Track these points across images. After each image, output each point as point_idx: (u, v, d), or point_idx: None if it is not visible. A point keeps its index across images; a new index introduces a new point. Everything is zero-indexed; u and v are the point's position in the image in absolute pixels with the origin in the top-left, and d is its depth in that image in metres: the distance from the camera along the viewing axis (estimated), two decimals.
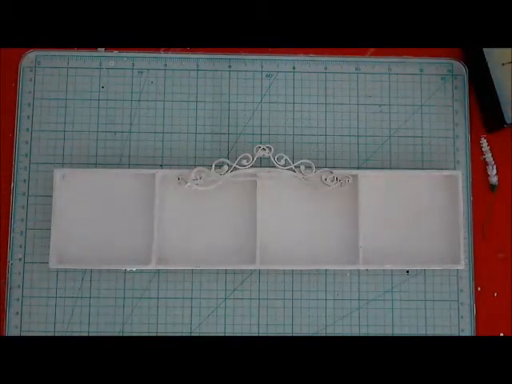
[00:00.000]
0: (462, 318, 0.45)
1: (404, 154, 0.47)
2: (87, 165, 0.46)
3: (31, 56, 0.47)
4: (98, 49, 0.47)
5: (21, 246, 0.45)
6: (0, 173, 0.45)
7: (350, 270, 0.45)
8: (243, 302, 0.45)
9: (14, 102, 0.46)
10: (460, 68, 0.48)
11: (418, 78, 0.48)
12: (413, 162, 0.47)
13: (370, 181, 0.44)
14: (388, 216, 0.45)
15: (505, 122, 0.44)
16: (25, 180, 0.45)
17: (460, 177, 0.44)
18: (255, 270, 0.45)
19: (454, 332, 0.44)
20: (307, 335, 0.44)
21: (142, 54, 0.47)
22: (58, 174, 0.43)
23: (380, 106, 0.47)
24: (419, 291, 0.45)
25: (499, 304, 0.45)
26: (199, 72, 0.47)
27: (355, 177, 0.44)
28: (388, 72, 0.48)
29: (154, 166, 0.46)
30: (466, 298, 0.45)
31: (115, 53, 0.47)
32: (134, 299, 0.44)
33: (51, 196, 0.43)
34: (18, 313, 0.44)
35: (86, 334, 0.44)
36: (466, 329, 0.45)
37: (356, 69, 0.48)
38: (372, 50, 0.48)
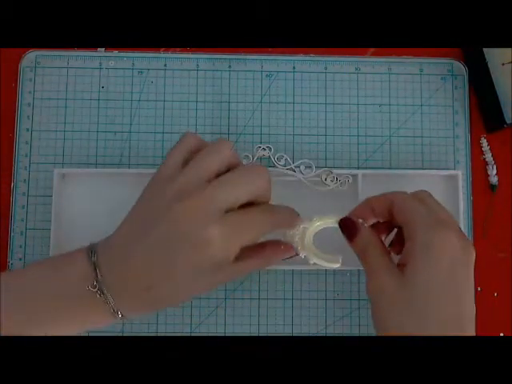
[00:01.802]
0: None
1: (404, 154, 0.47)
2: (87, 165, 0.46)
3: (31, 56, 0.47)
4: (98, 49, 0.47)
5: (21, 246, 0.45)
6: (0, 173, 0.46)
7: (350, 270, 0.45)
8: (243, 302, 0.45)
9: (14, 102, 0.46)
10: (460, 68, 0.48)
11: (417, 77, 0.48)
12: (413, 161, 0.47)
13: (370, 181, 0.44)
14: None
15: (505, 122, 0.44)
16: (25, 180, 0.45)
17: (460, 177, 0.44)
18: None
19: None
20: (307, 335, 0.44)
21: (141, 54, 0.47)
22: (57, 174, 0.43)
23: (380, 105, 0.47)
24: None
25: (499, 304, 0.45)
26: (199, 72, 0.47)
27: (355, 177, 0.44)
28: (388, 72, 0.48)
29: (153, 165, 0.46)
30: None
31: (115, 53, 0.47)
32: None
33: (51, 196, 0.43)
34: None
35: (86, 334, 0.44)
36: None
37: (356, 69, 0.48)
38: (372, 49, 0.48)
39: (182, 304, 0.44)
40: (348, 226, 0.38)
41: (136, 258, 0.33)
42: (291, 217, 0.37)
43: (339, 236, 0.41)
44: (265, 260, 0.37)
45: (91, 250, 0.34)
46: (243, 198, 0.34)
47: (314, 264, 0.40)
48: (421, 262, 0.34)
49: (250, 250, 0.36)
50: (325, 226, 0.40)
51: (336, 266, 0.40)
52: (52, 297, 0.34)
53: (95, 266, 0.34)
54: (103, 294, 0.33)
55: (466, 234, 0.45)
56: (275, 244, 0.38)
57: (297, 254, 0.39)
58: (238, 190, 0.34)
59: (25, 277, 0.35)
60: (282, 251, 0.38)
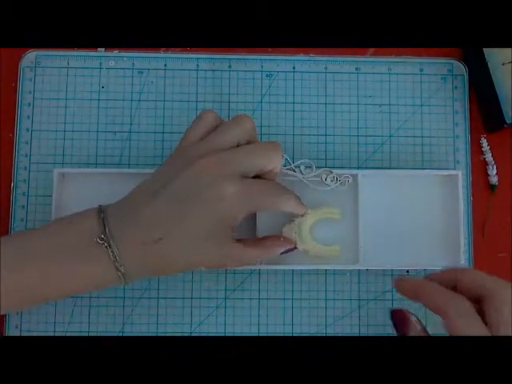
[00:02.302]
0: None
1: (404, 154, 0.47)
2: (87, 165, 0.46)
3: (31, 56, 0.46)
4: (98, 49, 0.47)
5: None
6: (0, 173, 0.45)
7: (350, 270, 0.45)
8: (243, 302, 0.45)
9: (14, 102, 0.46)
10: (460, 68, 0.48)
11: (418, 77, 0.48)
12: (413, 161, 0.47)
13: (370, 181, 0.44)
14: (388, 216, 0.45)
15: (505, 122, 0.44)
16: (25, 180, 0.45)
17: (460, 177, 0.44)
18: (255, 269, 0.45)
19: None
20: (307, 335, 0.44)
21: (142, 54, 0.47)
22: (57, 174, 0.43)
23: (380, 105, 0.47)
24: None
25: None
26: (199, 72, 0.47)
27: (355, 177, 0.44)
28: (388, 72, 0.48)
29: (153, 165, 0.46)
30: None
31: (115, 53, 0.47)
32: (133, 299, 0.44)
33: (51, 196, 0.43)
34: (18, 312, 0.44)
35: (86, 334, 0.44)
36: None
37: (356, 69, 0.48)
38: (372, 50, 0.48)
39: (180, 273, 0.43)
40: (399, 319, 0.39)
41: (147, 211, 0.35)
42: (298, 202, 0.39)
43: (335, 228, 0.41)
44: (265, 250, 0.38)
45: (100, 209, 0.36)
46: (257, 167, 0.36)
47: (316, 257, 0.41)
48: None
49: (252, 240, 0.39)
50: (318, 218, 0.42)
51: (336, 254, 0.41)
52: (60, 250, 0.35)
53: (103, 221, 0.35)
54: (110, 246, 0.34)
55: (466, 235, 0.45)
56: (275, 237, 0.40)
57: (295, 248, 0.41)
58: (253, 159, 0.36)
59: (32, 234, 0.37)
60: (282, 243, 0.40)
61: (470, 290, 0.35)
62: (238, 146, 0.37)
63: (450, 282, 0.36)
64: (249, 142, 0.37)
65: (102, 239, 0.34)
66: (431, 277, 0.37)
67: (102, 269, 0.35)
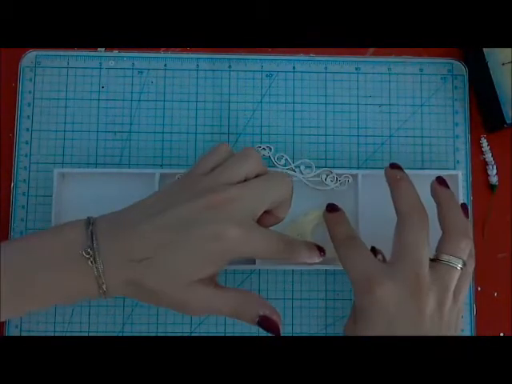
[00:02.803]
0: (462, 317, 0.45)
1: (404, 154, 0.47)
2: (87, 165, 0.46)
3: (31, 56, 0.46)
4: (98, 49, 0.47)
5: None
6: (0, 173, 0.45)
7: None
8: None
9: (14, 102, 0.46)
10: (460, 68, 0.48)
11: (418, 77, 0.48)
12: (413, 161, 0.47)
13: (370, 181, 0.44)
14: (388, 216, 0.44)
15: (505, 122, 0.44)
16: (25, 180, 0.45)
17: (460, 177, 0.44)
18: (255, 269, 0.45)
19: None
20: (307, 335, 0.44)
21: (141, 54, 0.47)
22: (57, 174, 0.43)
23: (380, 105, 0.47)
24: None
25: (499, 304, 0.45)
26: (199, 72, 0.47)
27: (355, 177, 0.44)
28: (388, 72, 0.48)
29: (154, 166, 0.46)
30: (466, 298, 0.45)
31: (115, 53, 0.47)
32: (134, 299, 0.44)
33: (51, 196, 0.43)
34: None
35: (86, 334, 0.44)
36: (466, 329, 0.45)
37: (356, 69, 0.48)
38: (372, 50, 0.48)
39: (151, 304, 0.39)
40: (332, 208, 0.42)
41: (145, 227, 0.33)
42: (307, 252, 0.37)
43: None
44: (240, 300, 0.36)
45: (89, 222, 0.34)
46: (266, 203, 0.36)
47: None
48: None
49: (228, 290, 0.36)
50: (320, 220, 0.41)
51: (336, 254, 0.41)
52: (44, 259, 0.34)
53: (92, 234, 0.33)
54: (95, 261, 0.33)
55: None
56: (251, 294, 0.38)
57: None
58: (262, 195, 0.35)
59: (5, 246, 0.35)
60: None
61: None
62: (245, 180, 0.36)
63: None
64: (257, 175, 0.37)
65: (87, 253, 0.33)
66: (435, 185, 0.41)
67: (83, 283, 0.33)
